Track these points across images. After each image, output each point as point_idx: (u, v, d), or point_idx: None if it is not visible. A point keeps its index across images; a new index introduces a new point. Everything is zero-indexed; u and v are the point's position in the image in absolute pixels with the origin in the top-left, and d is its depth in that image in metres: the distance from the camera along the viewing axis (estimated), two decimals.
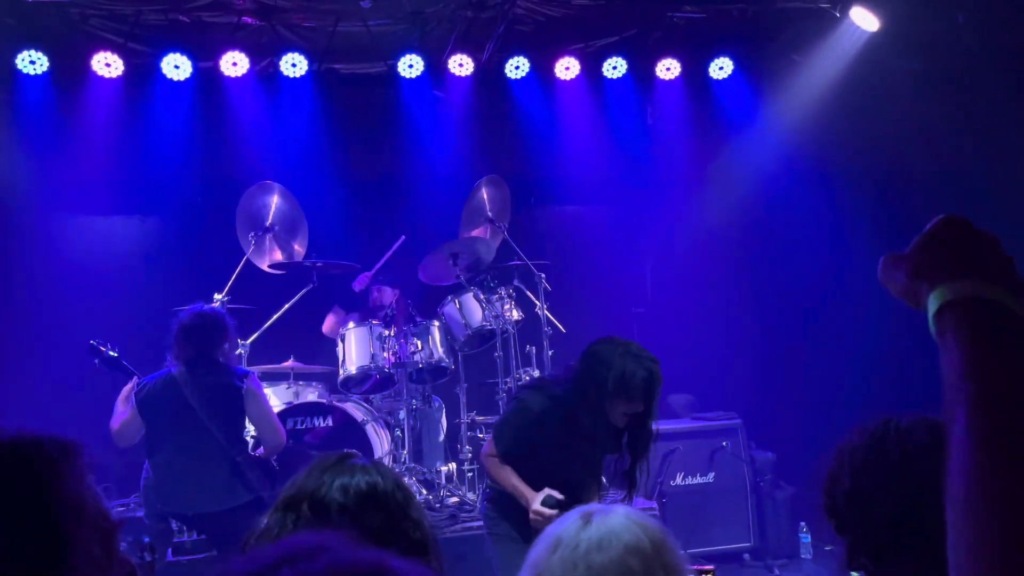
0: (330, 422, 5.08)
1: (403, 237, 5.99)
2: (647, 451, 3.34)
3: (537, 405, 3.30)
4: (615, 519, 1.24)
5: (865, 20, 5.84)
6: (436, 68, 6.54)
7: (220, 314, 4.11)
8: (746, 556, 5.69)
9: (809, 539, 5.68)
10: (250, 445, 4.65)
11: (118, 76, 6.03)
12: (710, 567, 2.06)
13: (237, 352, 5.13)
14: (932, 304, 0.87)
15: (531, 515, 3.19)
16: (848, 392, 6.02)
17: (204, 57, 6.17)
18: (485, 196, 5.94)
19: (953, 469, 0.75)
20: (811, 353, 6.54)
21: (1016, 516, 0.68)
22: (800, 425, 6.29)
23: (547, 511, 3.12)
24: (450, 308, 5.51)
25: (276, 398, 5.38)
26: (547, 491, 3.18)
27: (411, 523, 1.44)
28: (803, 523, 5.72)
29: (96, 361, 4.31)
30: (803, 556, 5.67)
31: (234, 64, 6.15)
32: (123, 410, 3.97)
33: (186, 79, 6.12)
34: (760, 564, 5.59)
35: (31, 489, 0.88)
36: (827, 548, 5.74)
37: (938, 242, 0.91)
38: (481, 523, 4.46)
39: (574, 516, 1.26)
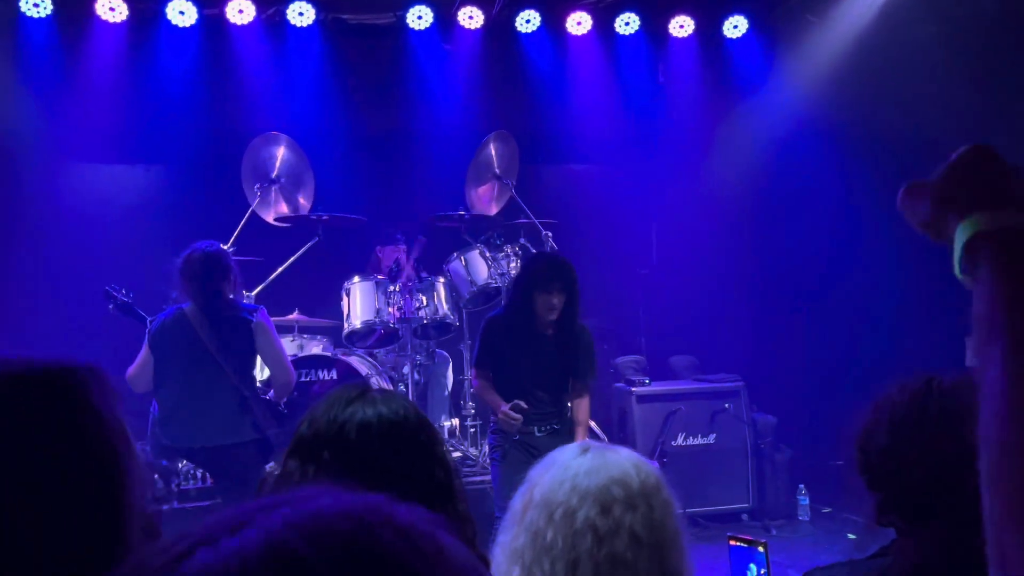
0: (334, 375, 5.09)
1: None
2: (581, 343, 3.97)
3: (494, 317, 4.07)
4: (612, 455, 1.30)
5: None
6: (445, 20, 6.43)
7: (221, 250, 4.09)
8: (744, 517, 5.75)
9: (807, 501, 5.73)
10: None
11: (122, 21, 5.94)
12: (763, 540, 2.07)
13: (245, 300, 5.13)
14: (962, 235, 0.83)
15: (500, 416, 3.85)
16: (851, 359, 6.02)
17: (209, 3, 6.06)
18: (493, 152, 5.88)
19: (987, 410, 0.71)
20: (815, 318, 6.53)
21: None
22: (801, 389, 6.32)
23: (512, 413, 3.79)
24: (456, 265, 5.49)
25: None
26: (515, 401, 3.83)
27: (437, 463, 1.38)
28: (802, 485, 5.77)
29: (110, 306, 4.32)
30: (800, 518, 5.72)
31: (240, 11, 6.05)
32: (140, 354, 3.99)
33: (191, 25, 6.02)
34: (758, 524, 5.65)
35: (84, 412, 0.87)
36: (824, 510, 5.80)
37: (967, 171, 0.87)
38: (483, 478, 4.76)
39: (575, 445, 1.35)
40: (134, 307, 4.30)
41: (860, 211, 6.11)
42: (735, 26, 6.64)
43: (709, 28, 6.68)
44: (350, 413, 1.37)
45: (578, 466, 1.26)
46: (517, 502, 1.28)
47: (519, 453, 3.91)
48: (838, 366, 6.16)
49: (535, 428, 3.96)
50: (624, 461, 1.28)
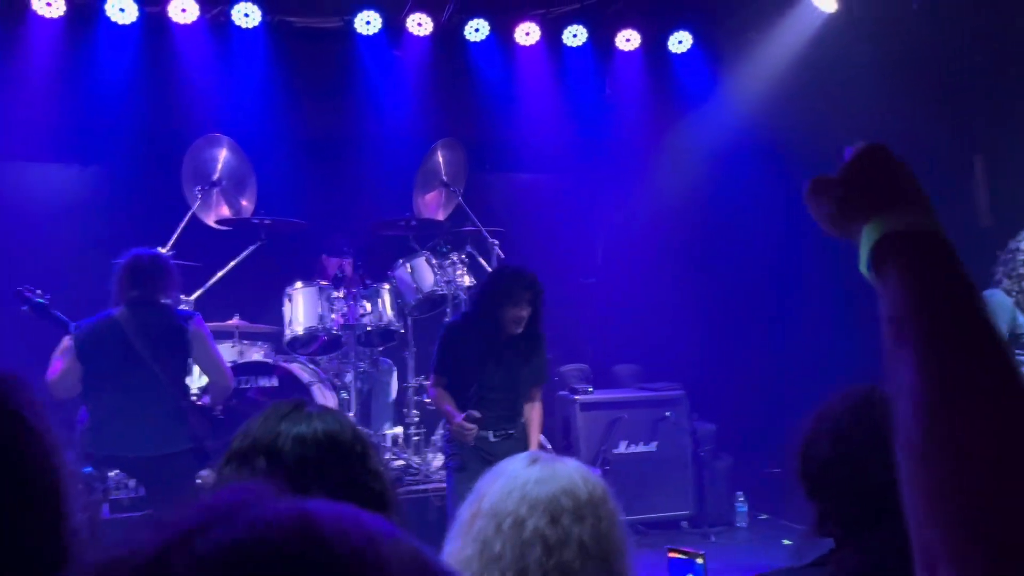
0: (275, 382, 5.01)
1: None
2: (538, 350, 4.07)
3: (454, 323, 4.17)
4: (560, 465, 1.32)
5: (823, 1, 5.89)
6: (394, 26, 6.40)
7: (164, 256, 4.03)
8: (684, 524, 5.83)
9: (745, 508, 5.84)
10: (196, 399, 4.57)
11: (60, 16, 5.75)
12: (702, 552, 2.10)
13: (181, 307, 5.02)
14: (869, 236, 0.82)
15: (454, 428, 3.88)
16: (789, 368, 6.17)
17: (151, 1, 5.92)
18: (441, 159, 5.88)
19: (902, 415, 0.71)
20: (755, 328, 6.68)
21: (973, 456, 0.65)
22: (741, 398, 6.45)
23: (467, 424, 3.81)
24: (401, 272, 5.46)
25: None
26: (469, 412, 3.85)
27: (371, 474, 1.38)
28: (740, 492, 5.88)
29: (25, 308, 4.10)
30: (739, 524, 5.83)
31: (183, 10, 5.92)
32: (60, 359, 3.84)
33: (132, 23, 5.87)
34: (697, 532, 5.73)
35: (12, 421, 0.84)
36: (762, 517, 5.93)
37: (870, 170, 0.86)
38: (426, 487, 4.74)
39: (524, 456, 1.35)
40: (51, 309, 4.07)
41: (799, 223, 6.26)
42: (680, 41, 6.76)
43: (655, 42, 6.79)
44: (285, 426, 1.37)
45: (527, 476, 1.27)
46: (465, 512, 1.28)
47: (475, 462, 3.92)
48: (777, 375, 6.31)
49: (490, 432, 4.00)
50: (572, 472, 1.29)
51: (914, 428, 0.69)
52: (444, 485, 4.85)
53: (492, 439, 3.99)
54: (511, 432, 4.05)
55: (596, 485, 1.30)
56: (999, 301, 3.77)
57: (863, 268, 0.82)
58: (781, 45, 6.32)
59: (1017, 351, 3.76)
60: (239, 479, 1.35)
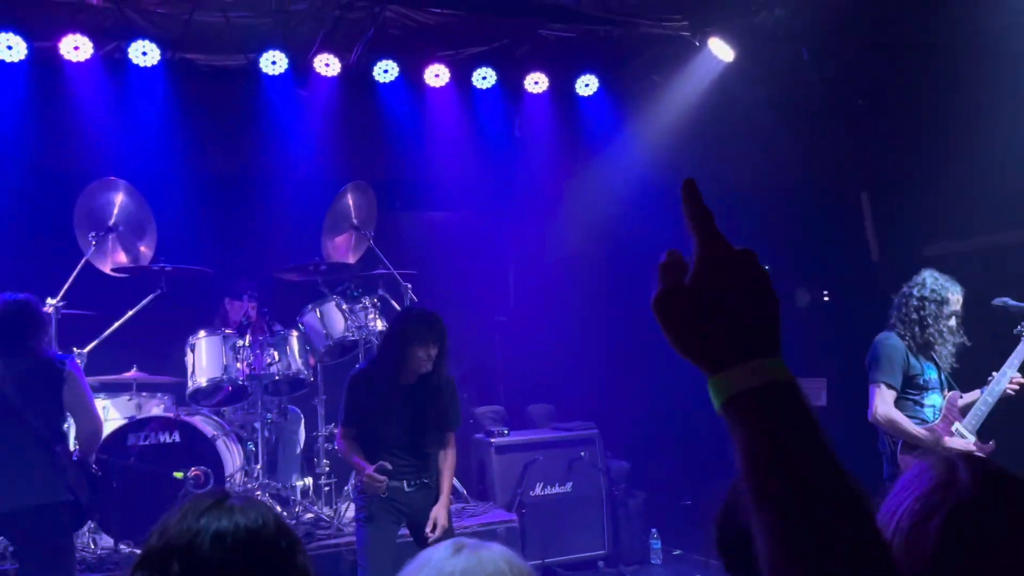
0: (176, 437, 4.78)
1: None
2: (447, 393, 4.00)
3: (359, 372, 4.04)
4: (485, 553, 1.28)
5: (721, 51, 6.13)
6: (301, 66, 6.30)
7: (32, 302, 3.84)
8: (600, 563, 5.85)
9: (659, 545, 5.90)
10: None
11: None
12: None
13: (74, 355, 4.75)
14: (717, 391, 0.77)
15: (364, 480, 3.78)
16: (699, 405, 6.29)
17: (41, 37, 5.65)
18: (351, 202, 5.80)
19: (759, 549, 0.73)
20: (665, 365, 6.79)
21: None
22: (652, 435, 6.55)
23: (378, 476, 3.74)
24: (310, 317, 5.33)
25: (116, 411, 5.02)
26: (380, 463, 3.78)
27: (297, 571, 1.33)
28: (654, 530, 5.94)
29: None
30: (653, 561, 5.88)
31: (76, 48, 5.67)
32: None
33: (20, 60, 5.59)
34: (613, 571, 5.76)
35: None
36: (675, 552, 6.00)
37: (701, 311, 0.77)
38: (337, 541, 4.61)
39: (448, 544, 1.30)
40: None
41: None
42: (586, 84, 6.91)
43: (562, 85, 6.92)
44: (204, 523, 1.31)
45: (452, 567, 1.22)
46: None
47: (387, 513, 3.87)
48: (687, 411, 6.42)
49: (404, 483, 3.90)
50: (498, 559, 1.26)
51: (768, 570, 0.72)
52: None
53: (407, 489, 3.90)
54: (426, 481, 3.97)
55: (522, 570, 1.28)
56: (893, 344, 3.95)
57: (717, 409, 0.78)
58: (683, 90, 6.54)
59: (910, 391, 3.95)
60: None
